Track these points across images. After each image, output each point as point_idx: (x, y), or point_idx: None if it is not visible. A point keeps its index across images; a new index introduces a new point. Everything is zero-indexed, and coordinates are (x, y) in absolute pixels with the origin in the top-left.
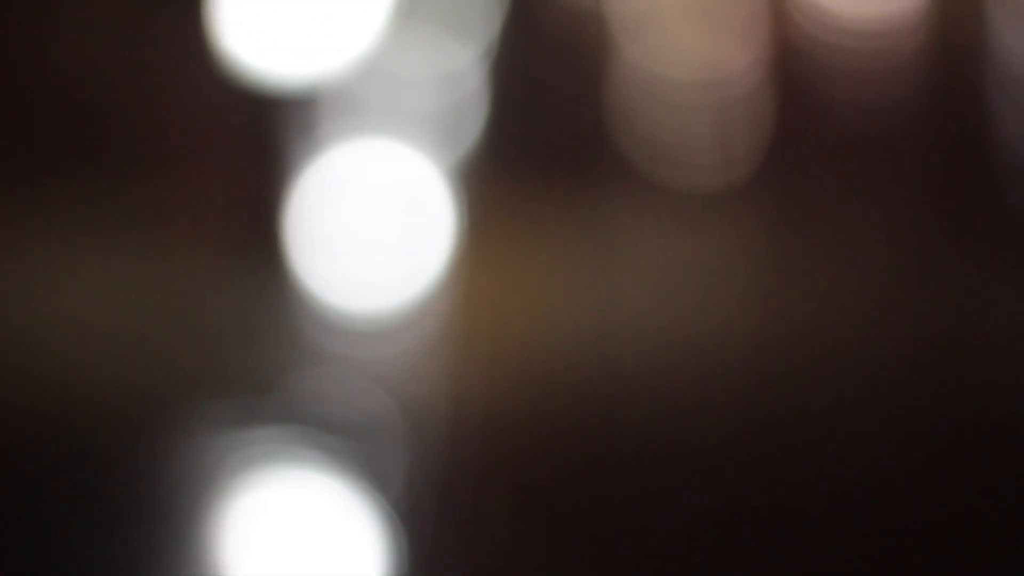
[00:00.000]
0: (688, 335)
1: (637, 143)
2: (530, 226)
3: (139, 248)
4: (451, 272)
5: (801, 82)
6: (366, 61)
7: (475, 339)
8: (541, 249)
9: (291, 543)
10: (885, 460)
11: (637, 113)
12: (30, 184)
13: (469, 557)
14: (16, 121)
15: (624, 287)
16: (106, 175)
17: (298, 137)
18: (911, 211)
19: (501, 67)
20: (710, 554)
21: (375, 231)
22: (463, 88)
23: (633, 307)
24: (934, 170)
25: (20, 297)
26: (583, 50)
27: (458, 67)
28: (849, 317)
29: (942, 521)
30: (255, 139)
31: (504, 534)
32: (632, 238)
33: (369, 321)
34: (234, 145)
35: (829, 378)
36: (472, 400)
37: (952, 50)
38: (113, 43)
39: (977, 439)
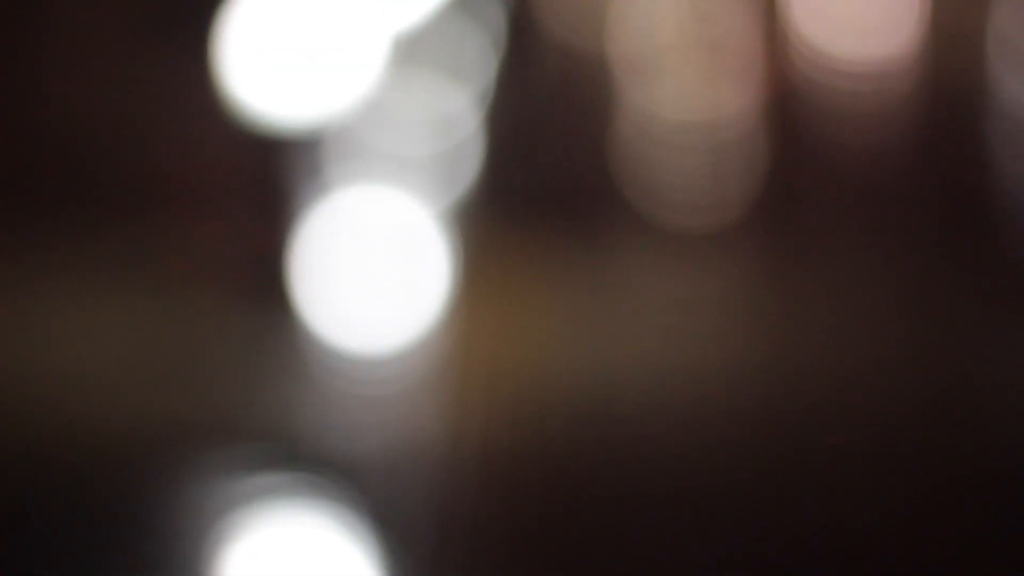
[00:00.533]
0: (684, 373)
1: (635, 183)
2: (526, 265)
3: (145, 290)
4: (450, 311)
5: (798, 123)
6: (366, 105)
7: (474, 377)
8: (537, 288)
9: None
10: (884, 499)
11: (635, 154)
12: (38, 227)
13: None
14: (23, 164)
15: (620, 325)
16: (111, 218)
17: (299, 179)
18: (907, 250)
19: (499, 109)
20: None
21: (375, 272)
22: (461, 131)
23: (629, 345)
24: (929, 210)
25: (26, 340)
26: (581, 92)
27: (456, 110)
28: (847, 356)
29: (942, 560)
30: (258, 181)
31: (501, 570)
32: (629, 277)
33: (370, 360)
34: (237, 187)
35: (827, 416)
36: (470, 437)
37: (947, 93)
38: (118, 87)
39: (977, 479)
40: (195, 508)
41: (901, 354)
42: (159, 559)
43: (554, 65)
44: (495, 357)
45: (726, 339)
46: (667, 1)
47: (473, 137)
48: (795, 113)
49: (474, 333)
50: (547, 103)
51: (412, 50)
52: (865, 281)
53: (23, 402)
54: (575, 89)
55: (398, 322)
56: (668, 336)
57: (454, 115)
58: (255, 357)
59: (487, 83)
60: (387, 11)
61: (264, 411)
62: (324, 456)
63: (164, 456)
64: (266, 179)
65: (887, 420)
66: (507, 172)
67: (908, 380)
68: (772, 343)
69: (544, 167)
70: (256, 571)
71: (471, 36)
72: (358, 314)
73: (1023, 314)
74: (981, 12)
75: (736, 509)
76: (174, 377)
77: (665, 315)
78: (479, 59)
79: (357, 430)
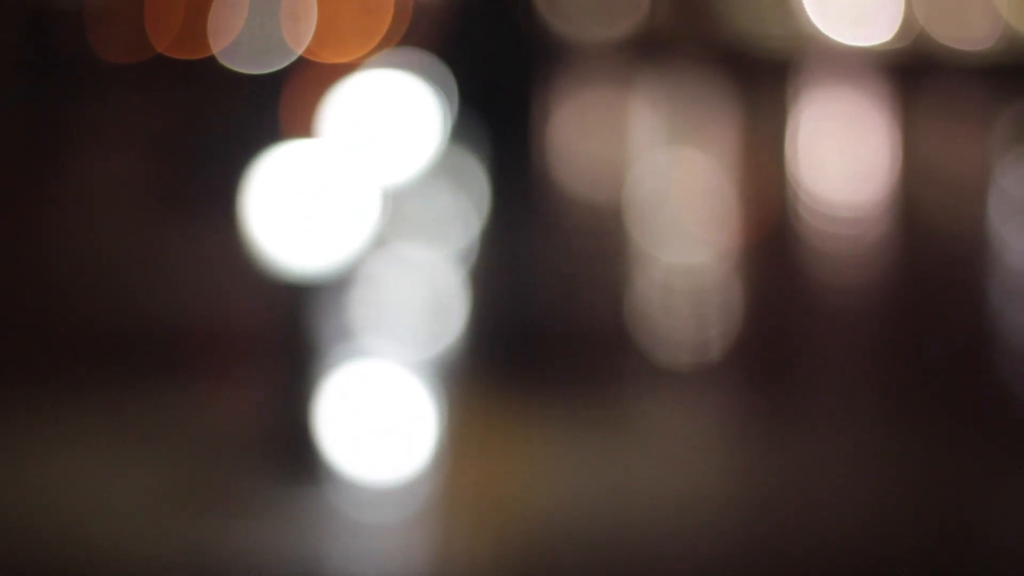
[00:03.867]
0: (667, 507)
1: (630, 324)
2: (515, 406)
3: (173, 440)
4: (451, 445)
5: (791, 266)
6: (366, 258)
7: (472, 506)
8: (523, 428)
9: None
10: None
11: (628, 295)
12: (68, 385)
13: None
14: (49, 321)
15: (608, 459)
16: (141, 371)
17: (312, 325)
18: (891, 387)
19: (490, 258)
20: None
21: (381, 416)
22: (453, 281)
23: (614, 477)
24: (913, 347)
25: (53, 495)
26: (578, 239)
27: (448, 260)
28: (834, 489)
29: None
30: (275, 328)
31: None
32: (620, 413)
33: (379, 492)
34: (257, 335)
35: (815, 546)
36: (468, 562)
37: (936, 238)
38: (141, 248)
39: None
40: None
41: (889, 488)
42: None
43: (551, 214)
44: (486, 492)
45: (716, 471)
46: (663, 152)
47: (464, 286)
48: (787, 256)
49: (468, 467)
50: (540, 249)
51: (405, 206)
52: (851, 418)
53: (49, 560)
54: (571, 236)
55: (403, 458)
56: (653, 469)
57: (447, 264)
58: (277, 490)
59: (477, 235)
60: (382, 172)
61: (284, 542)
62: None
63: None
64: (282, 327)
65: (876, 553)
66: (498, 315)
67: (891, 511)
68: (764, 477)
69: (533, 308)
70: None
71: (461, 190)
72: (371, 451)
73: (1012, 453)
74: (968, 158)
75: None
76: (199, 516)
77: (651, 449)
78: (470, 211)
79: (363, 555)
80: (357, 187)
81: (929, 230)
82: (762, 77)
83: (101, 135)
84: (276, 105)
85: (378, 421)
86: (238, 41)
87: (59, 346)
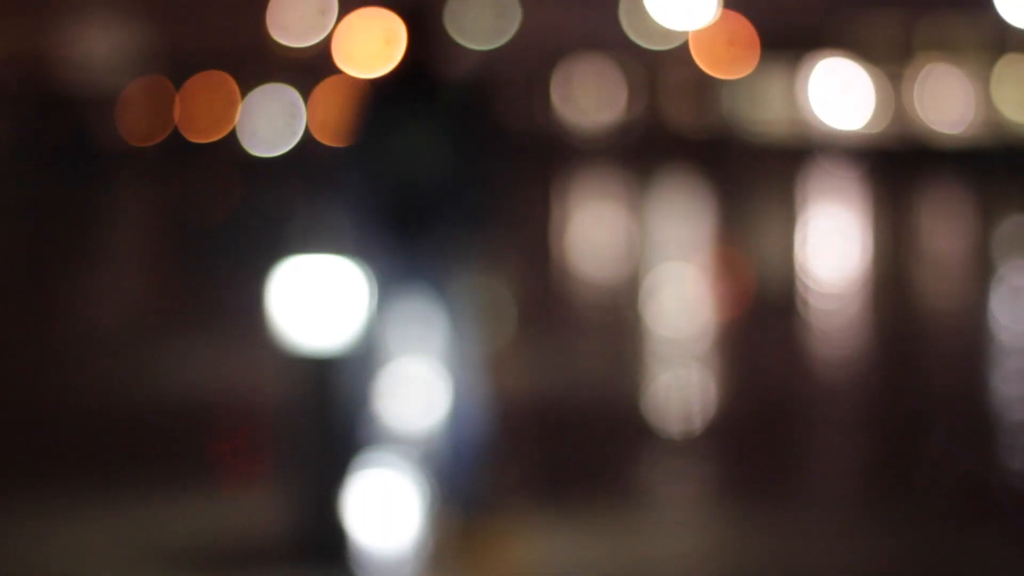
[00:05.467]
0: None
1: (628, 399)
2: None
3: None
4: (450, 528)
5: (787, 340)
6: (364, 338)
7: None
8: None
9: None
10: None
11: (629, 370)
12: (85, 477)
13: None
14: (66, 414)
15: (599, 529)
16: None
17: (321, 414)
18: (880, 460)
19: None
20: None
21: (381, 502)
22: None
23: (604, 548)
24: (906, 424)
25: None
26: (571, 313)
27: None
28: (825, 558)
29: None
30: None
31: None
32: (616, 486)
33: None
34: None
35: None
36: None
37: (922, 313)
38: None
39: None
40: None
41: (882, 563)
42: None
43: (548, 296)
44: (490, 566)
45: (711, 544)
46: (658, 233)
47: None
48: (784, 333)
49: (471, 544)
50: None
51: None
52: (845, 493)
53: None
54: (566, 314)
55: (406, 539)
56: (649, 539)
57: (437, 354)
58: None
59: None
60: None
61: None
62: None
63: None
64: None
65: None
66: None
67: None
68: (758, 553)
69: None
70: None
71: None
72: (376, 532)
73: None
74: (958, 238)
75: None
76: None
77: (648, 520)
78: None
79: None
80: (356, 281)
81: (921, 308)
82: (752, 161)
83: (121, 217)
84: (292, 186)
85: (382, 506)
86: (257, 125)
87: (79, 440)
